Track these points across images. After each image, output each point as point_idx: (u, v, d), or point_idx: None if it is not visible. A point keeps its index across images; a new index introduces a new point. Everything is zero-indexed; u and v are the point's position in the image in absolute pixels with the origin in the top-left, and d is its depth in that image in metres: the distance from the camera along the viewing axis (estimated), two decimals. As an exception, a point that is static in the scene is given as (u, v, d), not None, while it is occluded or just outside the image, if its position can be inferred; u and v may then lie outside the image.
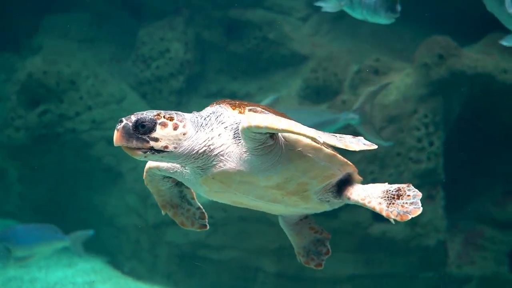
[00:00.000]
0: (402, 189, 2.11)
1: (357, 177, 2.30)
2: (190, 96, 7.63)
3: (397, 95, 6.19)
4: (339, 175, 2.19)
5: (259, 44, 7.55)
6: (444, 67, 5.98)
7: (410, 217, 2.02)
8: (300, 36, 7.55)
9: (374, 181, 6.14)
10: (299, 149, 2.04)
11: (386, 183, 2.21)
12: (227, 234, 6.35)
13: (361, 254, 6.13)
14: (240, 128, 1.94)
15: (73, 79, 7.21)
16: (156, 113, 1.92)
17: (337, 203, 2.29)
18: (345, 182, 2.26)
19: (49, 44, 7.69)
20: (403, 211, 2.04)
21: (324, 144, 2.03)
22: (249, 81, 7.58)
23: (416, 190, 2.10)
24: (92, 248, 7.03)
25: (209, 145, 2.00)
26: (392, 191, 2.12)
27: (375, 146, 2.07)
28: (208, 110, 2.08)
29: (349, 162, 2.18)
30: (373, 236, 6.02)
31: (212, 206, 6.41)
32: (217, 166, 2.03)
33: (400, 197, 2.09)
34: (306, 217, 2.63)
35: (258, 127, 1.88)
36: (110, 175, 7.26)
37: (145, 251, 6.91)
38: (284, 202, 2.24)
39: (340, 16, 7.64)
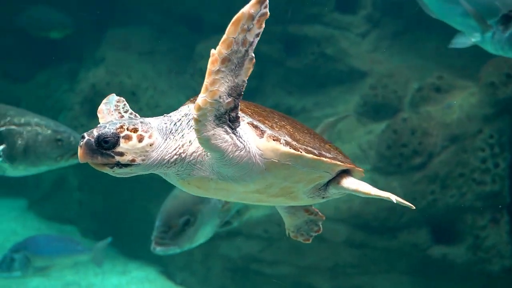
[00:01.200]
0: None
1: (357, 170, 2.18)
2: (246, 110, 7.68)
3: (460, 114, 6.02)
4: (328, 176, 2.08)
5: (317, 59, 7.53)
6: (512, 87, 5.79)
7: (404, 202, 2.01)
8: (358, 52, 7.48)
9: (434, 202, 5.99)
10: (274, 158, 1.87)
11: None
12: (281, 249, 6.31)
13: (418, 277, 5.95)
14: (197, 139, 1.77)
15: (134, 90, 7.41)
16: (119, 125, 1.79)
17: (332, 195, 2.19)
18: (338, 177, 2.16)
19: (112, 56, 7.93)
20: (396, 199, 2.01)
21: (306, 150, 1.93)
22: (306, 96, 7.56)
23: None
24: (146, 257, 7.13)
25: (180, 153, 1.86)
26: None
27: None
28: (182, 110, 1.94)
29: (338, 162, 2.03)
30: (432, 258, 5.84)
31: (267, 220, 6.41)
32: (193, 173, 1.91)
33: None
34: None
35: (201, 119, 1.70)
36: (166, 185, 7.32)
37: (197, 263, 6.94)
38: (271, 202, 2.16)
39: (400, 32, 7.54)
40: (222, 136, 1.76)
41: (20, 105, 7.75)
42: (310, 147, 1.98)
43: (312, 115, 7.36)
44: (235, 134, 1.79)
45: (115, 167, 1.77)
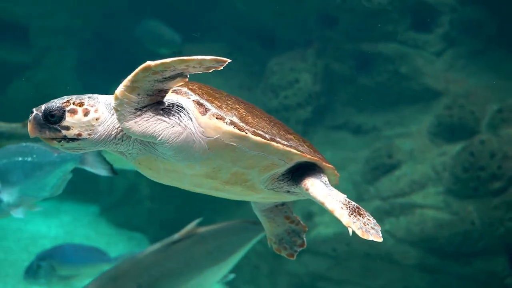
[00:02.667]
0: (362, 210, 1.94)
1: (327, 166, 2.09)
2: (316, 126, 7.68)
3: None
4: (284, 165, 1.99)
5: (390, 77, 7.44)
6: None
7: (371, 238, 1.83)
8: (433, 70, 7.33)
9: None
10: (217, 136, 1.82)
11: (345, 195, 2.03)
12: (349, 268, 6.22)
13: (495, 307, 5.70)
14: (122, 127, 1.78)
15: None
16: (66, 99, 1.80)
17: (299, 193, 2.08)
18: (308, 170, 2.05)
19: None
20: (365, 229, 1.86)
21: (255, 132, 1.86)
22: (377, 115, 7.47)
23: (375, 220, 1.93)
24: (213, 268, 7.23)
25: None
26: (353, 205, 1.95)
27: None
28: None
29: (293, 150, 1.94)
30: (510, 288, 5.58)
31: (336, 238, 6.35)
32: (139, 152, 1.91)
33: (361, 216, 1.91)
34: (283, 204, 2.40)
35: (121, 99, 1.71)
36: (234, 199, 7.45)
37: (264, 277, 6.96)
38: (230, 192, 2.08)
39: (478, 52, 7.33)
40: (147, 120, 1.76)
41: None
42: (262, 131, 1.91)
43: (382, 134, 7.26)
44: (164, 115, 1.78)
45: (62, 141, 1.79)
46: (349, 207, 1.93)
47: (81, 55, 9.85)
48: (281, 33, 8.17)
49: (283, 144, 1.93)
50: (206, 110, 1.83)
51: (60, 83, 9.28)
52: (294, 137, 2.09)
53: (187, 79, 1.75)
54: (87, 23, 9.73)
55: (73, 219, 8.67)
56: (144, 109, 1.77)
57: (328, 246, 6.38)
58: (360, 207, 1.95)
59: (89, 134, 1.80)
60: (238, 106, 1.97)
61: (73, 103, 1.79)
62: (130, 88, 1.71)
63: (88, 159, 3.71)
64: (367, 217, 1.92)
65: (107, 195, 8.93)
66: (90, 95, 1.85)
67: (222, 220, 7.49)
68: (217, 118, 1.82)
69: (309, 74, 7.69)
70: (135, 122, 1.76)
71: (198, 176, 1.95)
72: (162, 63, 1.64)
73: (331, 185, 2.07)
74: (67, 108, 1.77)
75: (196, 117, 1.82)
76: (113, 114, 1.82)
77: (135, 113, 1.76)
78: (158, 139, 1.80)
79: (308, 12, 7.73)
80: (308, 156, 2.01)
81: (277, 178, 2.05)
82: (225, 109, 1.88)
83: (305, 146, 2.08)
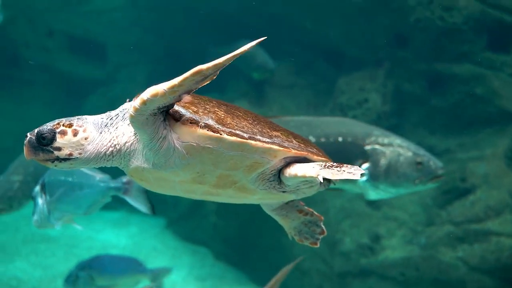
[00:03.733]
0: (343, 165, 1.88)
1: (319, 158, 2.04)
2: (385, 147, 7.56)
3: None
4: (268, 163, 1.95)
5: (464, 99, 7.22)
6: None
7: (345, 175, 1.78)
8: (511, 92, 7.05)
9: None
10: (193, 140, 1.85)
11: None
12: (418, 294, 6.04)
13: None
14: (128, 117, 1.83)
15: (274, 122, 7.66)
16: (57, 122, 1.89)
17: (301, 190, 2.06)
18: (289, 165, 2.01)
19: (254, 89, 8.29)
20: (336, 171, 1.82)
21: (231, 132, 1.86)
22: (449, 137, 7.25)
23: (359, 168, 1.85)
24: (276, 287, 7.20)
25: (115, 145, 1.93)
26: (334, 164, 1.91)
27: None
28: (121, 107, 2.01)
29: (277, 147, 1.92)
30: None
31: (404, 263, 6.19)
32: (130, 163, 1.96)
33: (339, 166, 1.88)
34: (292, 199, 2.32)
35: (142, 105, 1.76)
36: (299, 217, 7.44)
37: (328, 299, 6.88)
38: (225, 195, 2.07)
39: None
40: (152, 121, 1.82)
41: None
42: (240, 130, 1.90)
43: (455, 156, 7.04)
44: (161, 120, 1.85)
45: (55, 162, 1.87)
46: (325, 165, 1.91)
47: (152, 71, 10.21)
48: (350, 52, 8.13)
49: (263, 141, 1.91)
50: (181, 116, 1.86)
51: (131, 98, 9.64)
52: (281, 133, 2.06)
53: (214, 77, 1.85)
54: (159, 39, 10.08)
55: (141, 230, 8.91)
56: (159, 111, 1.84)
57: (396, 271, 6.23)
58: (342, 164, 1.90)
59: (80, 153, 1.89)
60: (217, 109, 1.99)
61: (63, 125, 1.88)
62: (173, 91, 1.77)
63: (131, 191, 3.94)
64: (347, 166, 1.88)
65: (173, 208, 9.13)
66: (79, 116, 1.94)
67: (287, 238, 7.51)
68: (191, 122, 1.85)
69: (378, 94, 7.60)
70: (146, 119, 1.82)
71: (187, 182, 1.98)
72: (214, 65, 1.75)
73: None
74: (57, 130, 1.87)
75: (171, 124, 1.87)
76: (101, 133, 1.92)
77: (152, 114, 1.82)
78: (152, 142, 1.87)
79: (378, 31, 7.66)
80: (293, 151, 1.98)
81: (268, 179, 2.04)
82: (201, 113, 1.90)
83: (294, 142, 2.05)
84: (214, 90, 9.46)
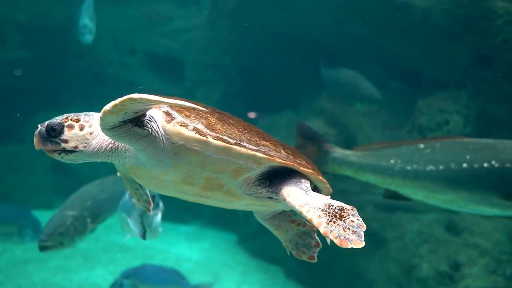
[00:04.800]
0: (346, 211, 1.86)
1: (306, 171, 2.05)
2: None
3: None
4: (252, 169, 2.01)
5: None
6: None
7: (350, 246, 1.74)
8: None
9: None
10: (181, 142, 1.94)
11: (329, 197, 1.97)
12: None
13: None
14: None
15: (349, 142, 7.59)
16: (65, 116, 2.00)
17: (283, 204, 2.03)
18: (288, 177, 2.05)
19: (330, 108, 8.28)
20: (344, 236, 1.77)
21: (218, 137, 1.94)
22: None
23: (361, 219, 1.84)
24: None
25: (113, 142, 2.03)
26: (335, 208, 1.87)
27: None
28: None
29: (261, 155, 1.97)
30: None
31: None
32: (125, 163, 2.08)
33: (343, 219, 1.83)
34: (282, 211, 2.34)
35: (105, 117, 1.83)
36: (374, 240, 7.30)
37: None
38: (214, 198, 2.12)
39: None
40: (124, 131, 1.90)
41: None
42: (228, 136, 1.97)
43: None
44: (139, 126, 1.91)
45: (62, 153, 1.99)
46: (329, 212, 1.86)
47: (227, 89, 10.44)
48: (430, 72, 7.96)
49: (248, 148, 1.97)
50: (172, 118, 1.95)
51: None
52: (270, 143, 2.10)
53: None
54: (234, 59, 10.32)
55: (213, 245, 9.05)
56: (126, 121, 1.91)
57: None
58: (345, 207, 1.88)
59: (84, 147, 2.00)
60: (209, 116, 2.06)
61: (71, 119, 2.00)
62: (116, 112, 1.83)
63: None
64: (350, 218, 1.84)
65: (244, 224, 9.21)
66: (87, 112, 2.05)
67: (361, 263, 7.37)
68: (180, 125, 1.94)
69: (460, 116, 7.37)
70: (114, 131, 1.91)
71: (177, 182, 2.06)
72: (147, 99, 1.76)
73: (325, 193, 2.12)
74: (66, 124, 1.99)
75: (163, 125, 1.95)
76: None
77: (118, 125, 1.90)
78: (133, 146, 1.97)
79: (461, 51, 7.46)
80: (278, 159, 2.01)
81: (253, 183, 2.08)
82: (193, 118, 1.99)
83: (282, 152, 2.08)
84: (287, 108, 9.55)
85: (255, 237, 8.96)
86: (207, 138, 1.94)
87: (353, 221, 1.84)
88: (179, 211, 9.15)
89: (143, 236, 3.88)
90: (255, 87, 10.28)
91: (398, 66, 8.41)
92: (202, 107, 2.02)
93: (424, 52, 7.88)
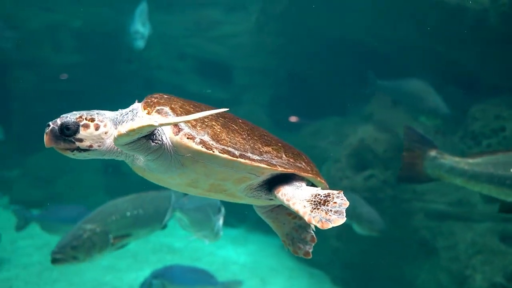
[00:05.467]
0: (331, 195, 1.95)
1: (306, 175, 2.13)
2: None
3: None
4: (256, 178, 2.09)
5: None
6: None
7: (331, 225, 1.83)
8: None
9: None
10: (188, 154, 1.98)
11: (319, 188, 2.06)
12: None
13: None
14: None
15: (400, 147, 7.45)
16: (79, 115, 1.99)
17: (278, 201, 2.13)
18: (287, 179, 2.11)
19: (379, 113, 8.17)
20: (325, 218, 1.85)
21: (223, 150, 1.97)
22: None
23: (345, 198, 1.92)
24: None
25: None
26: (321, 196, 1.97)
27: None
28: (131, 106, 2.09)
29: (265, 166, 2.03)
30: None
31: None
32: (134, 163, 2.10)
33: (326, 203, 1.92)
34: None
35: (120, 139, 1.89)
36: (425, 248, 7.14)
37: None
38: (216, 197, 2.20)
39: None
40: (135, 144, 1.96)
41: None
42: (232, 147, 2.00)
43: None
44: (150, 139, 1.97)
45: (75, 151, 1.99)
46: (315, 201, 1.95)
47: (275, 94, 10.47)
48: (486, 78, 7.74)
49: (252, 160, 2.02)
50: (179, 130, 1.98)
51: (255, 119, 9.93)
52: (272, 148, 2.14)
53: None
54: (282, 63, 10.34)
55: (259, 249, 9.07)
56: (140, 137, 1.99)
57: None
58: (330, 193, 1.96)
59: (99, 146, 2.01)
60: (214, 123, 2.08)
61: (85, 119, 2.00)
62: (132, 135, 1.90)
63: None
64: (334, 199, 1.93)
65: (290, 229, 9.18)
66: (98, 111, 2.04)
67: (410, 270, 7.23)
68: (188, 138, 1.97)
69: (517, 122, 7.13)
70: (127, 146, 1.97)
71: (182, 185, 2.13)
72: (166, 123, 1.87)
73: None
74: (81, 123, 1.98)
75: (170, 137, 1.99)
76: (116, 129, 2.03)
77: (131, 141, 1.97)
78: (144, 157, 2.02)
79: (518, 56, 7.22)
80: (280, 168, 2.07)
81: (255, 188, 2.16)
82: (199, 128, 2.01)
83: (284, 158, 2.13)
84: (335, 113, 9.47)
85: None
86: (213, 152, 1.98)
87: (335, 203, 1.92)
88: (226, 215, 9.23)
89: (211, 238, 3.97)
90: (303, 92, 10.26)
91: (451, 71, 8.21)
92: (207, 109, 2.12)
93: (479, 57, 7.67)
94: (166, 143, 2.00)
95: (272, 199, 2.18)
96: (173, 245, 8.70)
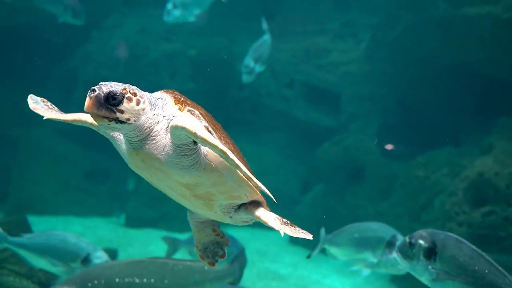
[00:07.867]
0: (293, 224, 2.27)
1: (266, 207, 2.39)
2: None
3: None
4: (244, 200, 2.34)
5: None
6: None
7: (301, 235, 2.20)
8: None
9: None
10: (215, 163, 2.15)
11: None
12: None
13: None
14: (170, 124, 2.06)
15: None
16: (123, 87, 2.01)
17: (239, 221, 2.43)
18: (251, 204, 2.38)
19: (501, 146, 7.69)
20: (295, 230, 2.22)
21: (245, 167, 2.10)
22: None
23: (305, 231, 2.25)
24: None
25: (152, 126, 2.08)
26: (285, 221, 2.28)
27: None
28: (157, 94, 2.17)
29: (258, 192, 2.32)
30: None
31: None
32: (146, 146, 2.11)
33: (292, 226, 2.26)
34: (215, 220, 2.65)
35: (184, 129, 2.01)
36: None
37: None
38: (191, 202, 2.34)
39: None
40: (191, 148, 2.14)
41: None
42: (245, 167, 2.12)
43: None
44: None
45: (112, 121, 2.00)
46: (282, 220, 2.28)
47: (383, 122, 10.26)
48: None
49: (255, 184, 2.15)
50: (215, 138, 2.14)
51: (362, 148, 9.78)
52: (249, 169, 2.26)
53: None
54: (391, 91, 10.14)
55: (366, 281, 8.82)
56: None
57: None
58: (291, 223, 2.27)
59: (135, 121, 2.04)
60: (228, 141, 2.32)
61: (129, 92, 2.02)
62: (199, 138, 2.04)
63: None
64: (297, 227, 2.25)
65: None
66: (135, 86, 2.07)
67: None
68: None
69: None
70: (182, 140, 2.10)
71: (179, 183, 2.22)
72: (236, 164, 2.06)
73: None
74: (126, 95, 2.01)
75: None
76: (151, 109, 2.09)
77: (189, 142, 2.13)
78: (180, 145, 2.09)
79: None
80: (261, 198, 2.37)
81: (232, 207, 2.38)
82: (223, 142, 2.20)
83: (255, 179, 2.21)
84: (448, 143, 9.06)
85: (408, 276, 8.56)
86: (241, 167, 2.08)
87: (299, 229, 2.26)
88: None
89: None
90: (413, 120, 9.95)
91: None
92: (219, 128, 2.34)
93: None
94: (201, 147, 2.14)
95: (233, 217, 2.42)
96: (279, 271, 8.74)
